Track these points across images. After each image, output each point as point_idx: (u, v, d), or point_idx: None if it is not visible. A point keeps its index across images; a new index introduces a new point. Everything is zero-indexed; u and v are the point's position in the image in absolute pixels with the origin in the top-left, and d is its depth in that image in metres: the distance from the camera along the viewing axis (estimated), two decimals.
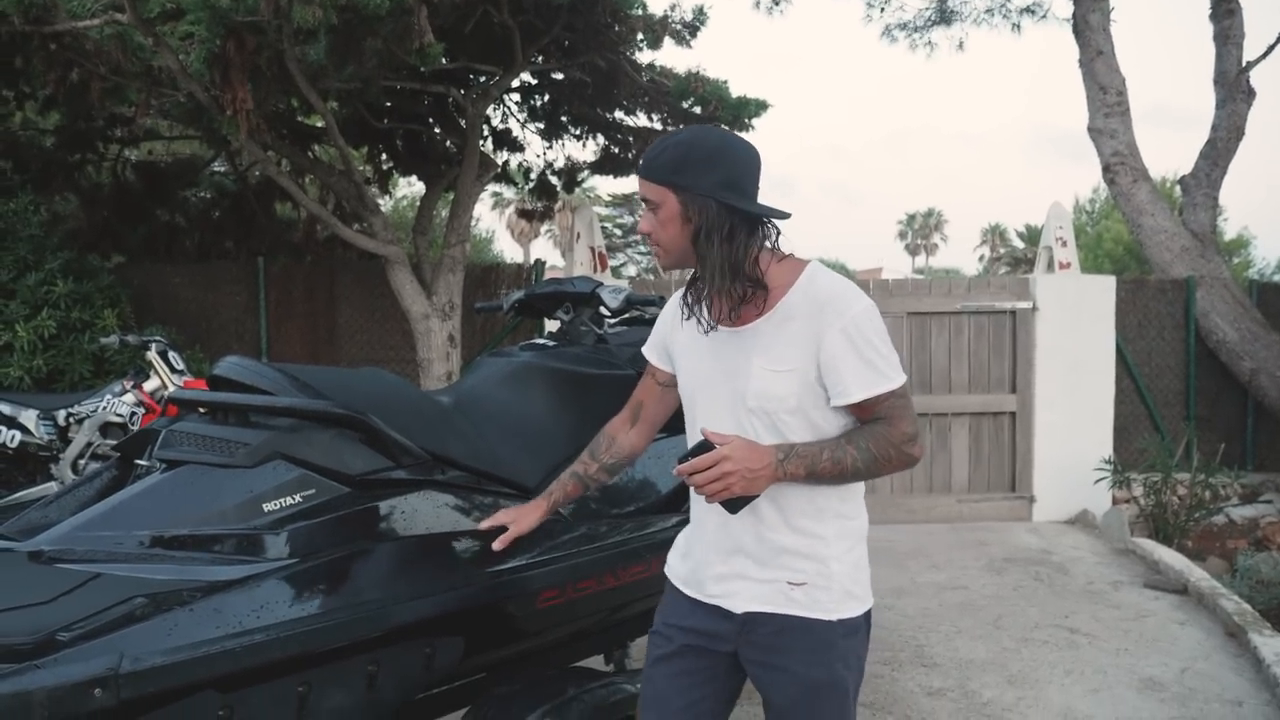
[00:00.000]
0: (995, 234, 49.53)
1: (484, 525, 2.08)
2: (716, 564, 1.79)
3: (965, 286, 7.12)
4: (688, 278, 1.82)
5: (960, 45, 11.92)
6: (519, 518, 2.08)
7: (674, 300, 1.93)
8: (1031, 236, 34.53)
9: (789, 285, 1.70)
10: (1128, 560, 5.77)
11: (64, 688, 1.41)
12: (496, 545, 2.04)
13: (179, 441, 1.93)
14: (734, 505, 1.64)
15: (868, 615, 1.78)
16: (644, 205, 1.73)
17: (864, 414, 1.69)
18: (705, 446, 1.60)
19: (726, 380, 1.75)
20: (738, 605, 1.76)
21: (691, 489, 1.75)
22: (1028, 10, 11.45)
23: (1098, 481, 6.61)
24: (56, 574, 1.67)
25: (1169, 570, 5.31)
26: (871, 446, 1.67)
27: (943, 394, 6.98)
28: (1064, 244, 7.31)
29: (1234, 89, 8.94)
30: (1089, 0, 9.10)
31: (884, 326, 1.69)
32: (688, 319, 1.81)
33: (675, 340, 1.90)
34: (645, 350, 2.04)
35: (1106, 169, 9.18)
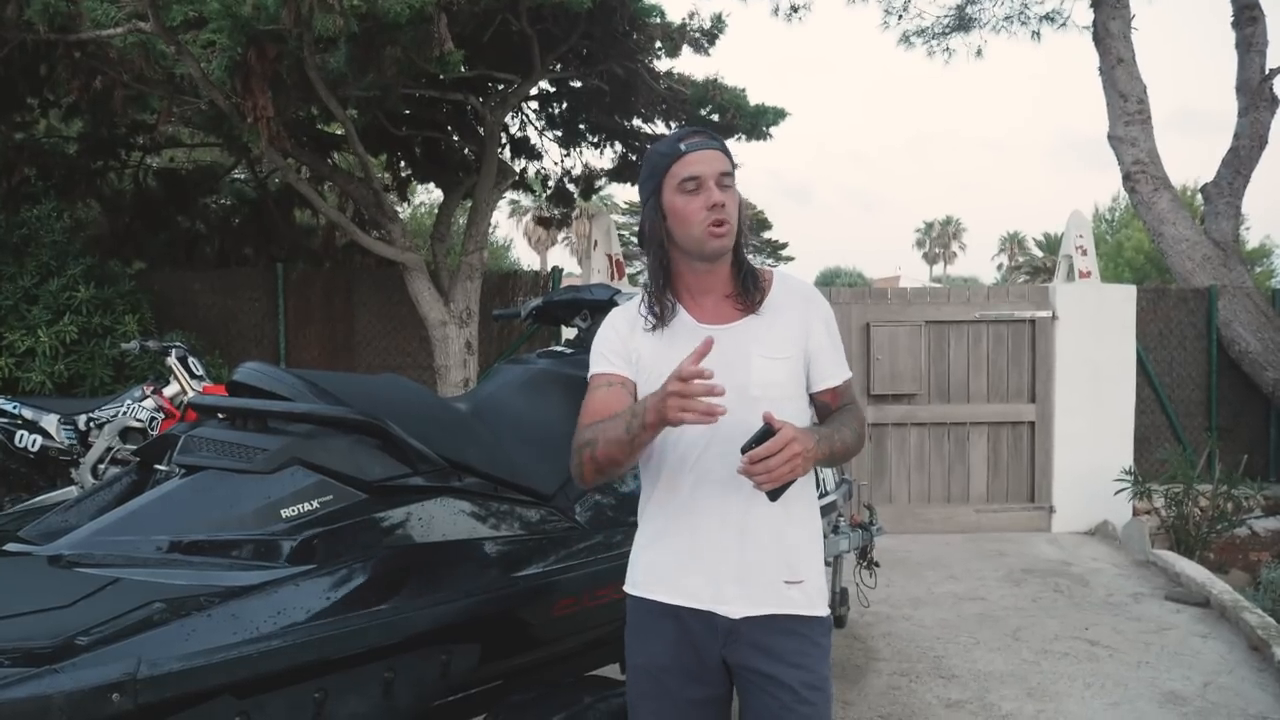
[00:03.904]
0: (1013, 242, 49.26)
1: None
2: (711, 569, 1.77)
3: (984, 295, 7.08)
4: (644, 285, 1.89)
5: (979, 52, 11.89)
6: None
7: (623, 313, 1.90)
8: (1050, 245, 34.32)
9: (769, 283, 1.85)
10: (1148, 572, 5.71)
11: (82, 692, 1.41)
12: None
13: (198, 447, 1.95)
14: (777, 493, 1.62)
15: None
16: (720, 180, 1.75)
17: (834, 400, 1.84)
18: (769, 432, 1.58)
19: (722, 375, 1.71)
20: (734, 611, 1.75)
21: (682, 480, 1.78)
22: (1047, 18, 11.38)
23: (1118, 492, 6.54)
24: (76, 578, 1.68)
25: (1190, 583, 5.25)
26: (856, 428, 1.81)
27: (961, 403, 6.94)
28: (1084, 252, 7.25)
29: (1257, 97, 8.86)
30: (1109, 8, 9.04)
31: None
32: (654, 327, 1.82)
33: (637, 349, 1.84)
34: (607, 366, 1.86)
35: (1127, 177, 9.11)
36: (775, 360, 1.77)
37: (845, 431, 1.77)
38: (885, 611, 4.92)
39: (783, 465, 1.56)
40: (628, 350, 1.85)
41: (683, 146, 1.76)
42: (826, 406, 1.85)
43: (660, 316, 1.81)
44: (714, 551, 1.77)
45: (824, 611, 1.79)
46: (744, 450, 1.59)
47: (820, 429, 1.73)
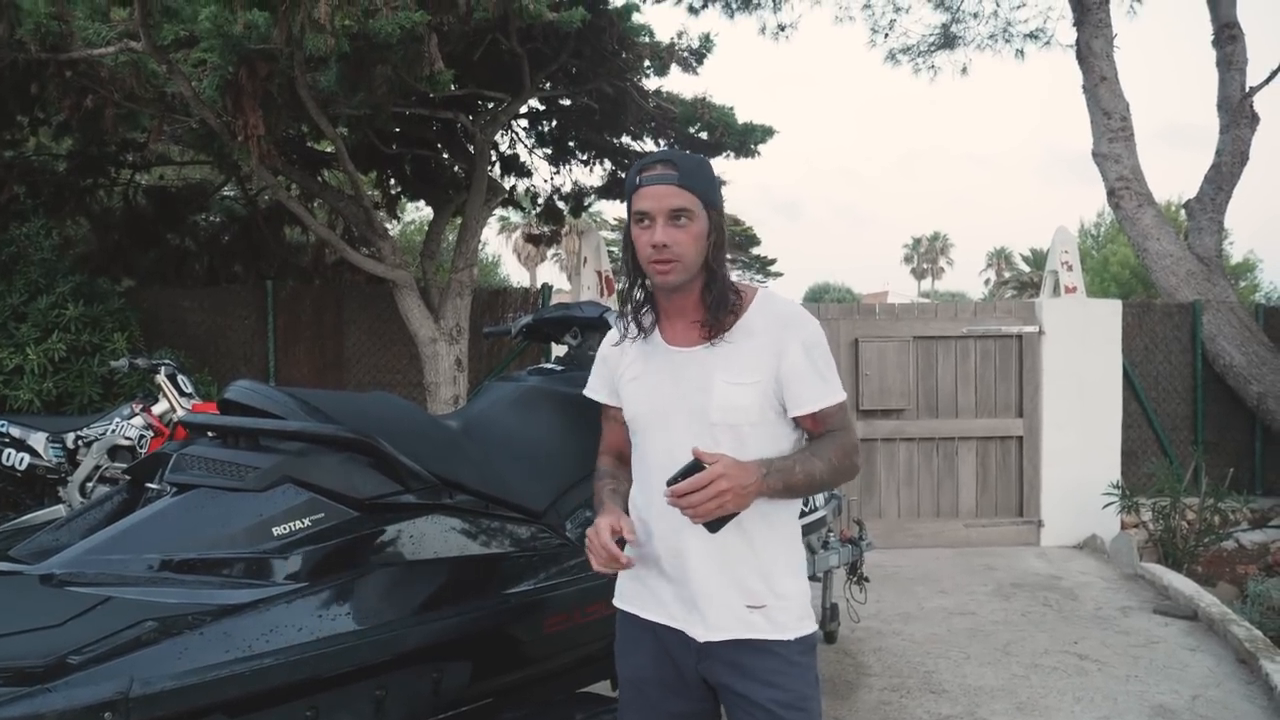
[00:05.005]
0: (1001, 257, 49.57)
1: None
2: (677, 588, 1.79)
3: (971, 310, 7.13)
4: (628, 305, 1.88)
5: (964, 70, 12.00)
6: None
7: (613, 336, 1.94)
8: (1037, 260, 34.52)
9: (746, 306, 1.78)
10: (1137, 586, 5.74)
11: (74, 711, 1.42)
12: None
13: (189, 465, 1.95)
14: (716, 525, 1.63)
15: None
16: (669, 217, 1.70)
17: (816, 426, 1.77)
18: (696, 466, 1.59)
19: (685, 398, 1.77)
20: (699, 634, 1.77)
21: (655, 510, 1.78)
22: (1031, 36, 11.53)
23: (1106, 506, 6.58)
24: (68, 597, 1.68)
25: (1178, 596, 5.28)
26: (834, 457, 1.74)
27: (949, 418, 6.97)
28: (1069, 268, 7.31)
29: (1238, 114, 8.98)
30: (1092, 26, 9.16)
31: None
32: (634, 339, 1.85)
33: (621, 372, 1.89)
34: (594, 394, 1.99)
35: (1111, 193, 9.20)
36: (740, 385, 1.72)
37: (815, 462, 1.72)
38: (875, 627, 4.93)
39: (708, 501, 1.57)
40: (613, 378, 1.92)
41: (639, 179, 1.73)
42: (810, 433, 1.80)
43: (634, 331, 1.85)
44: (681, 574, 1.79)
45: (795, 634, 1.75)
46: (669, 483, 1.59)
47: (776, 461, 1.69)
